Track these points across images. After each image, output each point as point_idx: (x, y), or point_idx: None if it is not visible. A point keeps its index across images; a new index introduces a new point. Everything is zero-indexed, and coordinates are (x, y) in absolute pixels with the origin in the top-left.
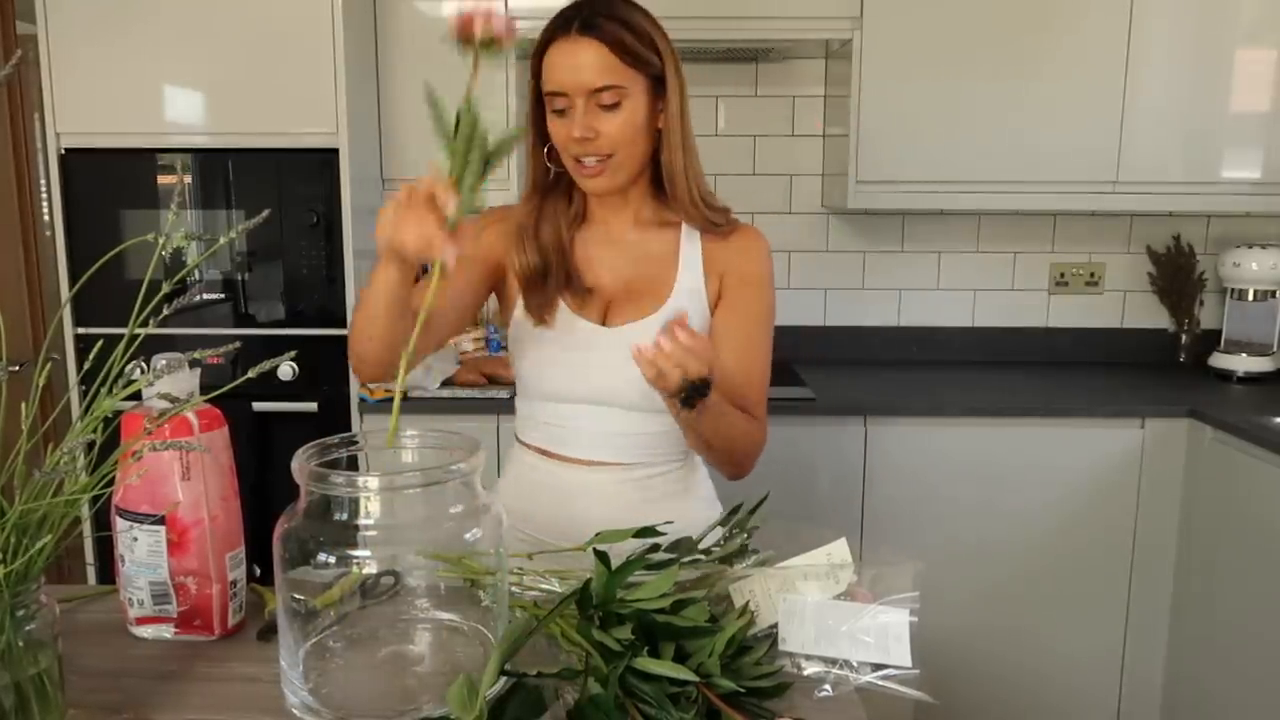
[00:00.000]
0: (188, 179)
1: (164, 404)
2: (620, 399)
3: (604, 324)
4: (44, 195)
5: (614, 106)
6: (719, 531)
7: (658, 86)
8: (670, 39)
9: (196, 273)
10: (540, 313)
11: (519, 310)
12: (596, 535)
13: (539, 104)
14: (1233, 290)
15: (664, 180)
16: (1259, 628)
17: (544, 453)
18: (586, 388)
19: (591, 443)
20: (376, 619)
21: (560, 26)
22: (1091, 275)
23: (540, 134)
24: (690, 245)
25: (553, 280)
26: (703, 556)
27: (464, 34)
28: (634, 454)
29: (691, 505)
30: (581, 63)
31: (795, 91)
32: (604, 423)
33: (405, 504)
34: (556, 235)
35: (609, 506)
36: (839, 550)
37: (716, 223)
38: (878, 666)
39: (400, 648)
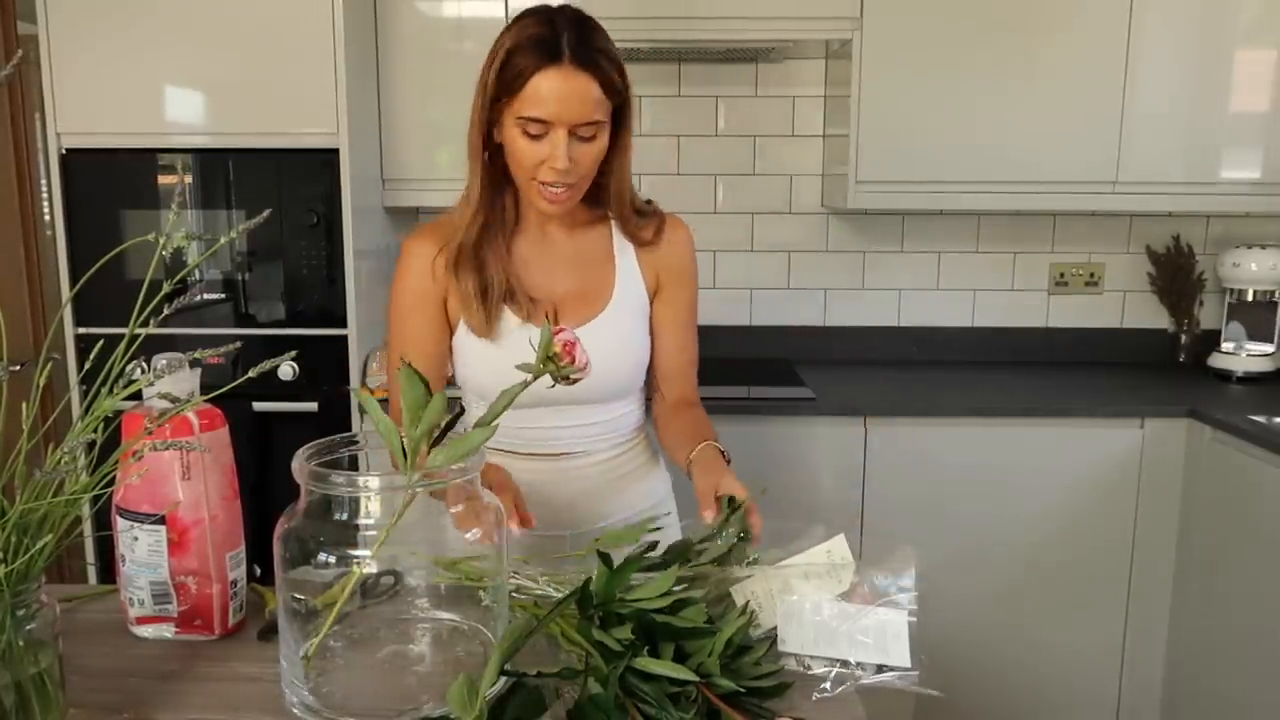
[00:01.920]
0: (188, 179)
1: (164, 404)
2: (577, 397)
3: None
4: (45, 195)
5: (590, 139)
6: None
7: (618, 113)
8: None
9: (197, 273)
10: (485, 328)
11: (465, 323)
12: (597, 541)
13: (491, 111)
14: (1232, 290)
15: (608, 196)
16: (1258, 627)
17: (503, 452)
18: (545, 392)
19: (552, 439)
20: (376, 619)
21: (550, 54)
22: (1091, 275)
23: (484, 139)
24: (622, 240)
25: (494, 294)
26: (698, 559)
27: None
28: (592, 442)
29: (652, 479)
30: (574, 96)
31: (795, 91)
32: (562, 419)
33: None
34: (498, 251)
35: (578, 490)
36: (839, 547)
37: (645, 217)
38: (879, 668)
39: (400, 647)
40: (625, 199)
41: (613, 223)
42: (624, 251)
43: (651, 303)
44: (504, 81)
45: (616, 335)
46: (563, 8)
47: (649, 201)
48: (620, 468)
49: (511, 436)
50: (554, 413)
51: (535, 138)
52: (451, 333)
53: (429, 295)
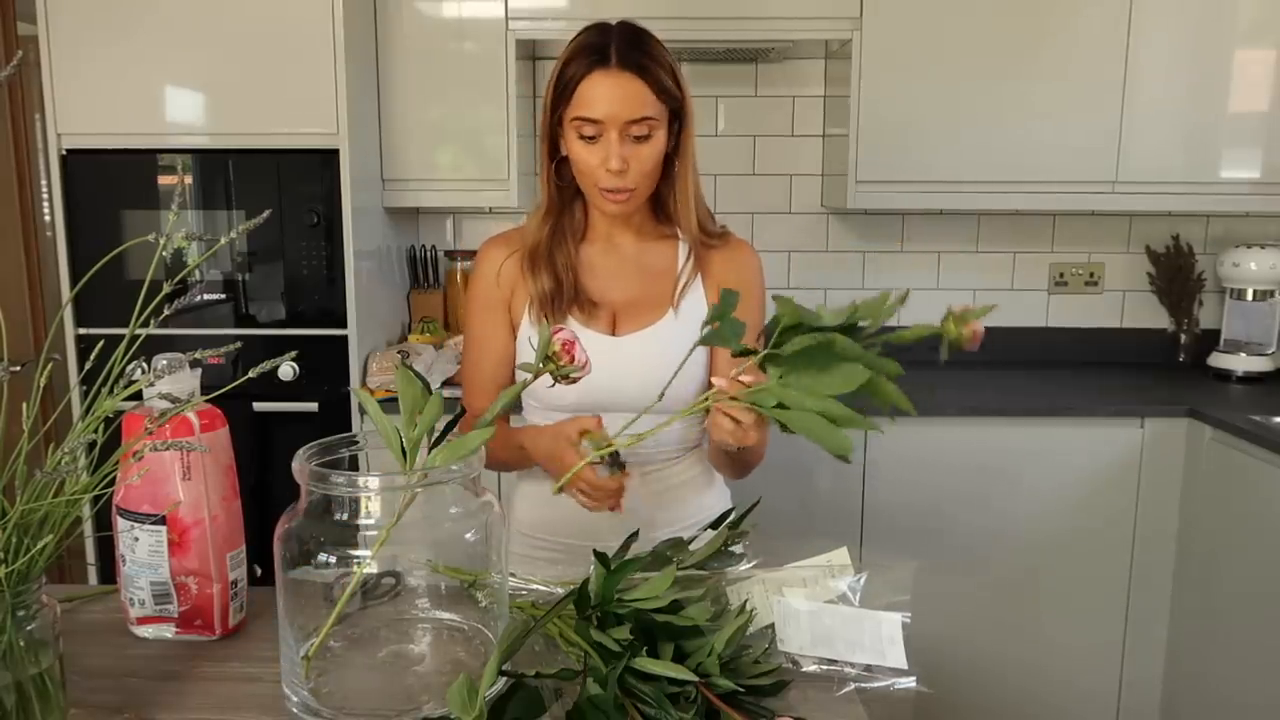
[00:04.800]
0: (188, 179)
1: (165, 404)
2: (632, 404)
3: (613, 334)
4: (45, 196)
5: (644, 138)
6: (711, 535)
7: (674, 118)
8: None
9: (197, 273)
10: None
11: (526, 326)
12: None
13: (556, 123)
14: (1232, 290)
15: (670, 204)
16: (1258, 627)
17: None
18: (600, 397)
19: None
20: (377, 619)
21: (598, 59)
22: (1091, 275)
23: (551, 150)
24: (690, 257)
25: (564, 297)
26: (690, 564)
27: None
28: (646, 452)
29: (707, 491)
30: (621, 95)
31: (795, 91)
32: (615, 427)
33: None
34: (566, 254)
35: (632, 501)
36: (839, 558)
37: (712, 245)
38: (873, 668)
39: (400, 647)
40: (691, 209)
41: (681, 240)
42: (689, 270)
43: None
44: (559, 90)
45: (669, 347)
46: (619, 22)
47: (723, 227)
48: (674, 478)
49: None
50: (605, 419)
51: (590, 141)
52: (515, 336)
53: (494, 299)
